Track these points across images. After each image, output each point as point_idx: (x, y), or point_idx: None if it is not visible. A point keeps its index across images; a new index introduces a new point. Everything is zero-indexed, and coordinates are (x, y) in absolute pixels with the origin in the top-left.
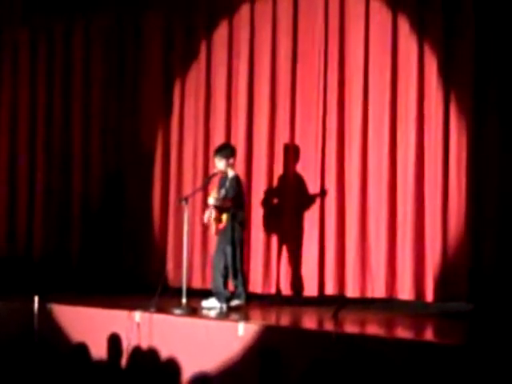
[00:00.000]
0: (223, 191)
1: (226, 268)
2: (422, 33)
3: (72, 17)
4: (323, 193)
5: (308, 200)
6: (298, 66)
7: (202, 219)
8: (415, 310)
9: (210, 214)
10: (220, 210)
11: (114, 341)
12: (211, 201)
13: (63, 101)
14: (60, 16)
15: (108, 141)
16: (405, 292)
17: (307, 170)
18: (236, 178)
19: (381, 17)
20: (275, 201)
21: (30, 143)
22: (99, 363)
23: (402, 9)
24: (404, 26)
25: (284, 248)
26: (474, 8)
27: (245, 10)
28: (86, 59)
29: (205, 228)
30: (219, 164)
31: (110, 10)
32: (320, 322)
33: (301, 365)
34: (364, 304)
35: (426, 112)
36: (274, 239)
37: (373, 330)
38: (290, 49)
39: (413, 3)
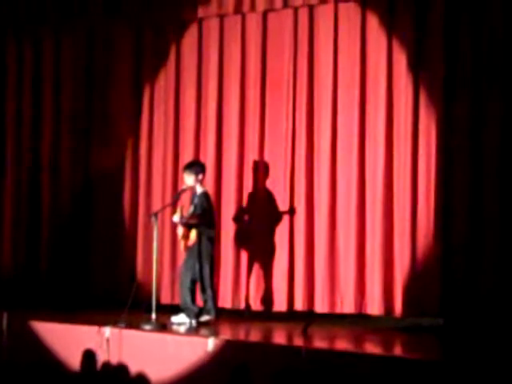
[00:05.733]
0: (192, 208)
1: (193, 283)
2: (390, 34)
3: (42, 24)
4: (292, 209)
5: (277, 216)
6: (268, 78)
7: (171, 235)
8: (384, 325)
9: (179, 231)
10: (188, 226)
11: (88, 357)
12: (175, 218)
13: (33, 110)
14: (30, 23)
15: (77, 154)
16: (374, 307)
17: (276, 185)
18: (205, 194)
19: (349, 24)
20: (245, 217)
21: None
22: (69, 379)
23: (372, 8)
24: (373, 24)
25: (254, 263)
26: (445, 4)
27: (214, 23)
28: (55, 68)
29: (175, 244)
30: (188, 180)
31: (80, 17)
32: (289, 338)
33: (270, 380)
34: (333, 319)
35: (395, 120)
36: (244, 255)
37: (342, 345)
38: (259, 60)
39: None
